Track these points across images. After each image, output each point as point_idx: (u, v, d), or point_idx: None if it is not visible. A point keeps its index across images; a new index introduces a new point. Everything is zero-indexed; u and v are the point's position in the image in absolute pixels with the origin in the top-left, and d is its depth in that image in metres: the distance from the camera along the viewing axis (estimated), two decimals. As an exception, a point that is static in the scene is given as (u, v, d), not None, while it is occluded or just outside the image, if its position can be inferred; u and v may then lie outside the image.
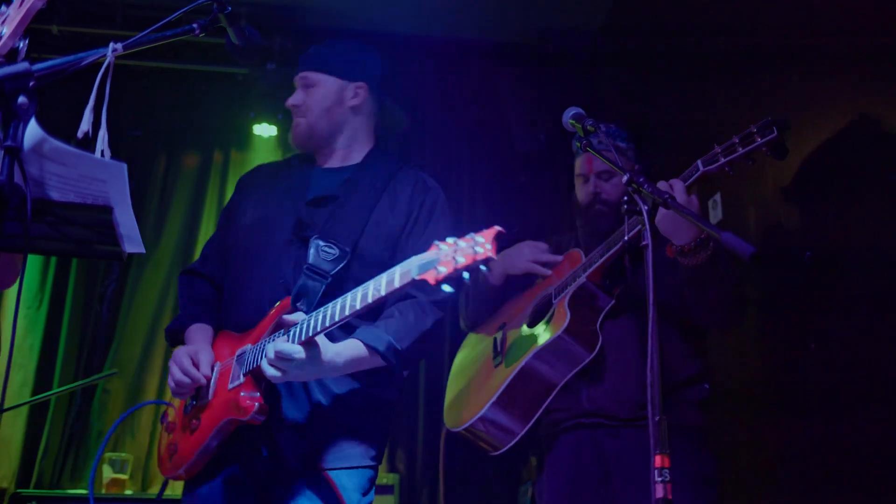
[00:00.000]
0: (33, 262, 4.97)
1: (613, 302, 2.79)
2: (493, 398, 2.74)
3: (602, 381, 2.76)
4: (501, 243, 1.86)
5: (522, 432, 2.74)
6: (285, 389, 2.40)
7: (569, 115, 2.48)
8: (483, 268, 1.84)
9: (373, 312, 2.39)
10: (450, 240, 1.90)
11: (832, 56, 4.28)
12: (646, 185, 2.06)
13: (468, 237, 1.88)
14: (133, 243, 1.81)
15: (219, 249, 2.76)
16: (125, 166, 1.64)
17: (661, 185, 2.44)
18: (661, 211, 2.21)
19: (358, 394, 2.45)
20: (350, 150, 2.74)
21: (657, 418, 1.83)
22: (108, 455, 4.59)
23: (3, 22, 1.97)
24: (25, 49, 1.99)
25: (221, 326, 2.60)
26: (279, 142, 5.52)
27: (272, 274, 2.50)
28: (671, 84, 4.80)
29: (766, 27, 4.58)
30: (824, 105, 3.82)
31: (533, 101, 5.43)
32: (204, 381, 2.41)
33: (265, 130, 5.42)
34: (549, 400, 2.74)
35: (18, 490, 4.37)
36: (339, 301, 2.13)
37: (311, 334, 2.16)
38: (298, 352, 2.17)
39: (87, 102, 1.80)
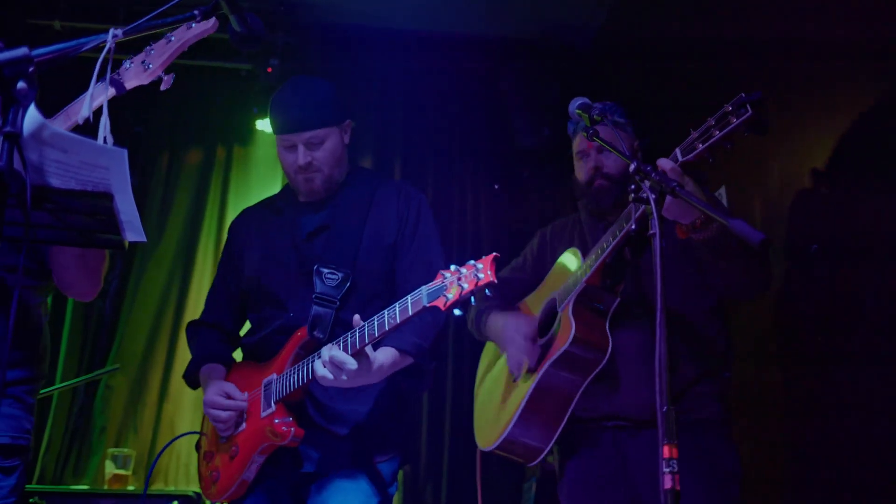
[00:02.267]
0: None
1: (618, 300, 2.74)
2: (514, 419, 2.72)
3: (619, 382, 2.72)
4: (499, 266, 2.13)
5: (550, 444, 2.71)
6: (323, 399, 2.63)
7: (575, 105, 2.47)
8: (487, 291, 2.13)
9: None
10: (452, 267, 2.19)
11: (838, 48, 4.26)
12: (653, 174, 2.04)
13: (469, 264, 2.16)
14: (134, 231, 1.80)
15: (226, 296, 2.96)
16: (126, 152, 1.63)
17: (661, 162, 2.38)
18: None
19: (392, 391, 2.70)
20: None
21: (664, 409, 1.81)
22: (110, 451, 4.58)
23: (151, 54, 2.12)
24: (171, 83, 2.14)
25: (233, 361, 2.89)
26: (282, 138, 5.50)
27: (285, 309, 2.72)
28: (673, 79, 4.79)
29: (770, 21, 4.57)
30: (830, 97, 3.80)
31: (535, 97, 5.41)
32: (245, 405, 2.66)
33: (268, 126, 5.36)
34: (570, 409, 2.69)
35: (21, 486, 4.35)
36: (366, 325, 2.38)
37: (356, 348, 2.39)
38: (352, 362, 2.37)
39: (87, 89, 1.79)
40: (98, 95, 2.06)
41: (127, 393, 4.98)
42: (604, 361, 2.65)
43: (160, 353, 5.08)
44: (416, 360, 2.62)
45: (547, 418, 2.70)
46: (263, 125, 5.36)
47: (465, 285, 2.13)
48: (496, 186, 5.47)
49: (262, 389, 2.65)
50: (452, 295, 2.13)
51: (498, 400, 2.95)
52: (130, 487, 4.48)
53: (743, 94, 2.16)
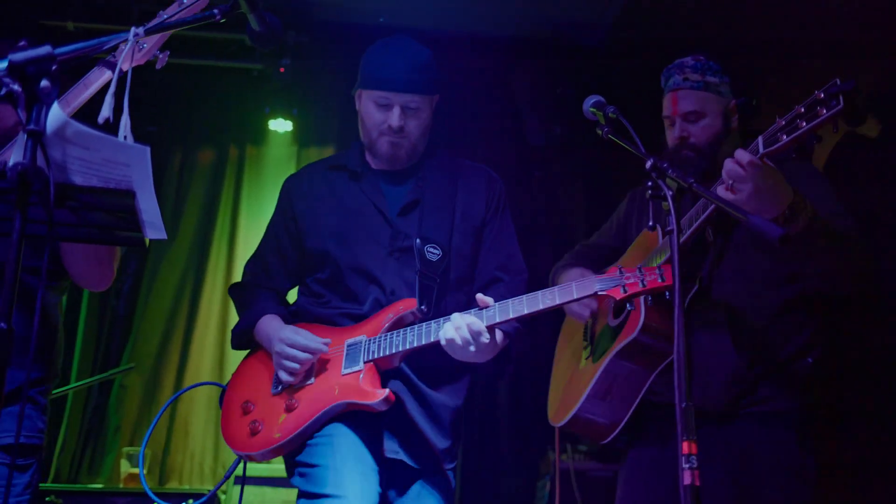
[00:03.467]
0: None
1: (696, 287, 2.57)
2: (584, 396, 2.64)
3: (692, 373, 2.62)
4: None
5: (619, 427, 2.63)
6: (409, 391, 2.57)
7: (589, 104, 2.42)
8: (667, 294, 2.25)
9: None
10: (629, 267, 2.32)
11: (851, 45, 4.25)
12: (671, 171, 2.02)
13: (651, 267, 2.31)
14: (155, 229, 1.80)
15: (279, 260, 2.82)
16: (148, 150, 1.64)
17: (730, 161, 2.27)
18: (740, 193, 2.17)
19: (473, 383, 2.72)
20: None
21: (683, 405, 1.81)
22: (125, 450, 4.59)
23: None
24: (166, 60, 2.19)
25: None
26: (294, 137, 5.52)
27: (378, 286, 2.64)
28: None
29: (780, 18, 4.56)
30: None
31: (546, 95, 5.41)
32: (325, 348, 2.54)
33: (280, 126, 5.41)
34: (640, 396, 2.59)
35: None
36: (510, 302, 2.42)
37: (492, 322, 2.41)
38: (486, 335, 2.41)
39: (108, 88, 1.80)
40: (95, 80, 2.08)
41: (141, 392, 5.01)
42: (672, 354, 2.56)
43: (174, 352, 5.10)
44: (510, 344, 2.62)
45: (615, 399, 2.61)
46: (276, 125, 5.38)
47: (645, 283, 2.27)
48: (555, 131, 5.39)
49: (345, 348, 2.57)
50: (630, 290, 2.28)
51: (571, 372, 2.88)
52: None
53: (837, 81, 2.02)
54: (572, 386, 2.79)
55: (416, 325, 2.50)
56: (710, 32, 4.82)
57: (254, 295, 2.80)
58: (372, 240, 2.68)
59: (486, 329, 2.40)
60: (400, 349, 2.48)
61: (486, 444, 4.96)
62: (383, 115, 2.68)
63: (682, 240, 2.41)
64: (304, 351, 2.52)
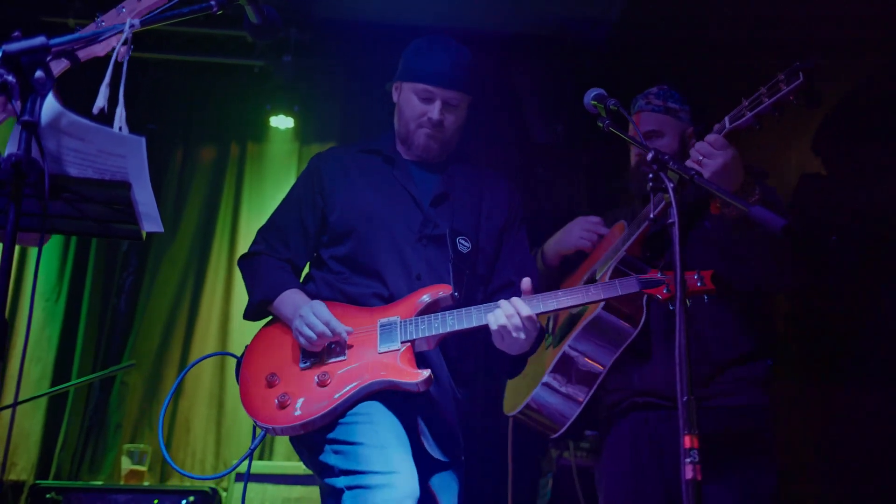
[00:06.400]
0: (51, 254, 4.97)
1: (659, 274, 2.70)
2: (541, 381, 2.71)
3: (651, 360, 2.71)
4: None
5: (573, 418, 2.69)
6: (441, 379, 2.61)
7: (590, 96, 2.45)
8: (705, 297, 2.33)
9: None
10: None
11: (855, 44, 4.23)
12: (671, 163, 2.03)
13: (692, 270, 2.35)
14: (152, 222, 1.79)
15: (300, 233, 2.83)
16: (144, 140, 1.62)
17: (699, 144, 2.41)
18: (706, 168, 2.26)
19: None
20: None
21: (685, 398, 1.80)
22: (126, 447, 4.58)
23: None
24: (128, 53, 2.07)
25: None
26: (296, 134, 5.50)
27: (405, 267, 2.68)
28: (689, 75, 4.76)
29: (785, 17, 4.54)
30: (846, 90, 3.77)
31: (550, 93, 5.39)
32: (346, 336, 2.54)
33: (282, 122, 5.39)
34: (598, 382, 2.67)
35: (37, 482, 4.36)
36: (558, 293, 2.47)
37: (547, 310, 2.45)
38: (537, 323, 2.45)
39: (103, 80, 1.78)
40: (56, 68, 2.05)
41: (142, 389, 4.99)
42: (634, 333, 2.63)
43: (175, 349, 5.08)
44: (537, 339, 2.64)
45: (572, 389, 2.68)
46: (277, 121, 5.37)
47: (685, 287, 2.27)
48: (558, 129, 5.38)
49: (378, 327, 2.57)
50: (672, 292, 2.31)
51: (529, 367, 2.93)
52: (146, 483, 4.49)
53: (797, 63, 2.16)
54: (529, 374, 2.82)
55: (455, 310, 2.52)
56: (713, 30, 4.80)
57: (270, 265, 2.79)
58: (403, 223, 2.73)
59: (536, 317, 2.43)
60: (440, 331, 2.50)
61: (488, 441, 4.94)
62: (425, 108, 2.76)
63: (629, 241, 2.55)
64: (326, 325, 2.52)
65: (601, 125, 2.43)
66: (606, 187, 5.13)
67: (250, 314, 2.79)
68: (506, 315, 2.41)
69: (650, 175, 2.04)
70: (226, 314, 5.13)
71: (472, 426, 4.26)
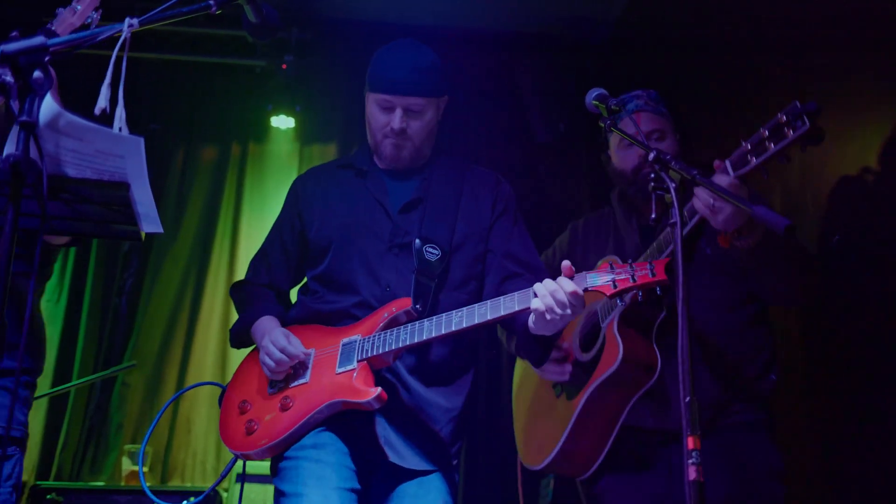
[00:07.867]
0: (52, 255, 4.96)
1: (664, 314, 2.68)
2: (563, 437, 2.70)
3: (667, 398, 2.67)
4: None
5: (600, 459, 2.69)
6: (402, 388, 2.57)
7: (592, 96, 2.43)
8: (658, 291, 2.17)
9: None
10: (620, 262, 2.24)
11: (857, 43, 4.21)
12: (673, 163, 2.01)
13: (642, 262, 2.21)
14: (151, 222, 1.78)
15: (282, 257, 2.87)
16: (143, 140, 1.62)
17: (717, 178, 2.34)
18: (720, 213, 2.22)
19: (475, 382, 2.69)
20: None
21: (687, 399, 1.79)
22: (127, 448, 4.58)
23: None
24: (98, 19, 2.26)
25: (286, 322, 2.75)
26: (297, 134, 5.50)
27: (374, 279, 2.65)
28: (691, 74, 4.75)
29: (787, 16, 4.52)
30: (850, 93, 3.75)
31: (552, 92, 5.38)
32: (303, 357, 2.57)
33: (283, 123, 5.39)
34: (619, 423, 2.66)
35: (38, 482, 4.36)
36: (592, 274, 2.31)
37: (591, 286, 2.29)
38: (581, 294, 2.29)
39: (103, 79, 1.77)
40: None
41: (143, 390, 4.98)
42: (653, 380, 2.60)
43: (176, 349, 5.08)
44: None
45: (595, 436, 2.67)
46: (278, 122, 5.36)
47: (636, 278, 2.17)
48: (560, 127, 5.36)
49: (340, 347, 2.57)
50: (621, 285, 2.18)
51: (541, 412, 2.92)
52: (147, 484, 4.48)
53: (798, 104, 2.07)
54: (547, 427, 2.82)
55: (409, 324, 2.49)
56: (715, 29, 4.78)
57: (253, 294, 2.86)
58: (372, 234, 2.70)
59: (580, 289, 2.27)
60: (392, 347, 2.47)
61: (490, 443, 4.94)
62: (386, 118, 2.71)
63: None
64: (283, 352, 2.55)
65: (602, 125, 2.43)
66: (608, 186, 5.11)
67: (233, 343, 2.84)
68: (549, 292, 2.26)
69: (651, 175, 2.03)
70: (227, 314, 5.12)
71: (472, 429, 4.26)
